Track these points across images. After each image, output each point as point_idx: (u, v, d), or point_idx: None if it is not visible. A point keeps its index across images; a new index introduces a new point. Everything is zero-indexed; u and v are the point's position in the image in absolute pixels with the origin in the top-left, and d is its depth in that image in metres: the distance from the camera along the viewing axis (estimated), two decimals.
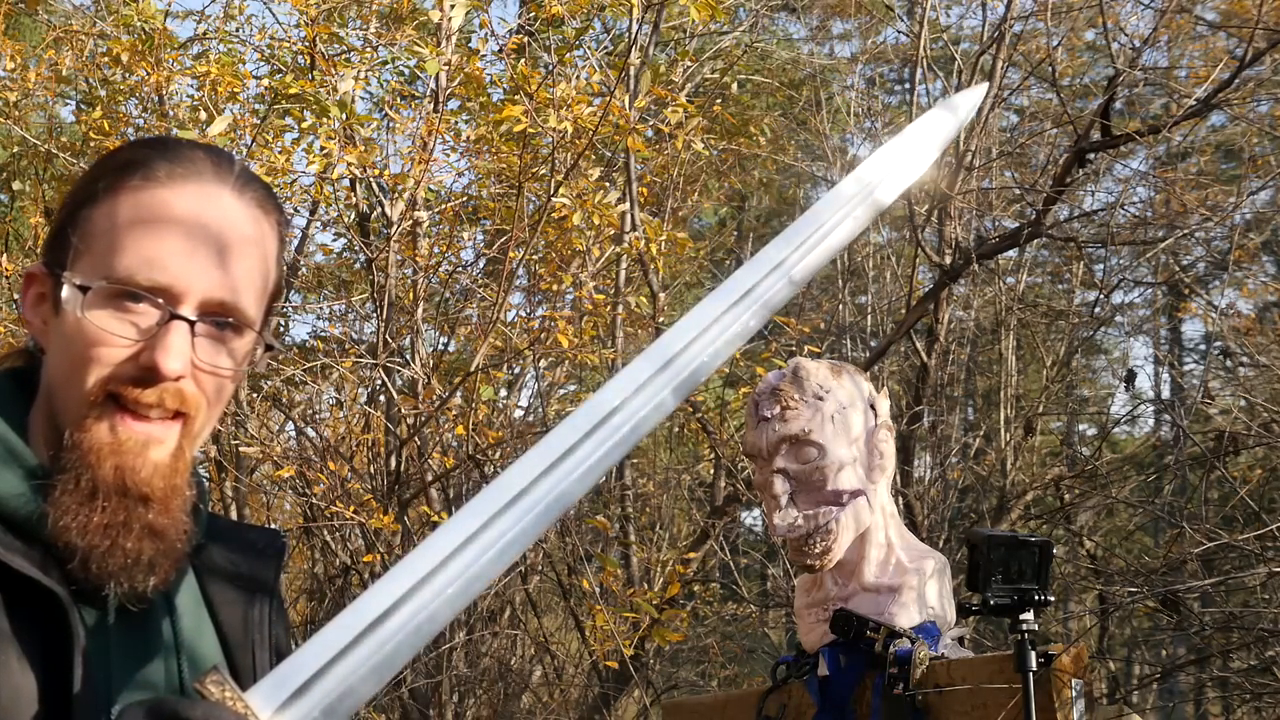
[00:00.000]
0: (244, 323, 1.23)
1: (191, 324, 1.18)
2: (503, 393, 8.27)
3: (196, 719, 1.00)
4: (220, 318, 1.21)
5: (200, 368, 1.20)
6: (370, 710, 6.56)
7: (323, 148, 6.22)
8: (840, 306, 9.99)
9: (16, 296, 6.46)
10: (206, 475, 7.51)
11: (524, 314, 7.85)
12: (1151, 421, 12.46)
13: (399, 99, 7.72)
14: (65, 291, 1.18)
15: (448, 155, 7.31)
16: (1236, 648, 6.33)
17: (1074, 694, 2.39)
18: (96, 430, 1.17)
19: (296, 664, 1.04)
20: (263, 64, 7.40)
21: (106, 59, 6.87)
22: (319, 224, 8.18)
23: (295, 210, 7.71)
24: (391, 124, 7.35)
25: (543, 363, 7.63)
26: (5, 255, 7.10)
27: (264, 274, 1.26)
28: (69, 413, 1.19)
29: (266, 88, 6.77)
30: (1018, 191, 8.06)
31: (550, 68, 6.55)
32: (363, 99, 7.60)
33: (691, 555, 7.19)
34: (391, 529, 6.09)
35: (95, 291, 1.17)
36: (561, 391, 9.32)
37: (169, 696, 1.17)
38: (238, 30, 7.52)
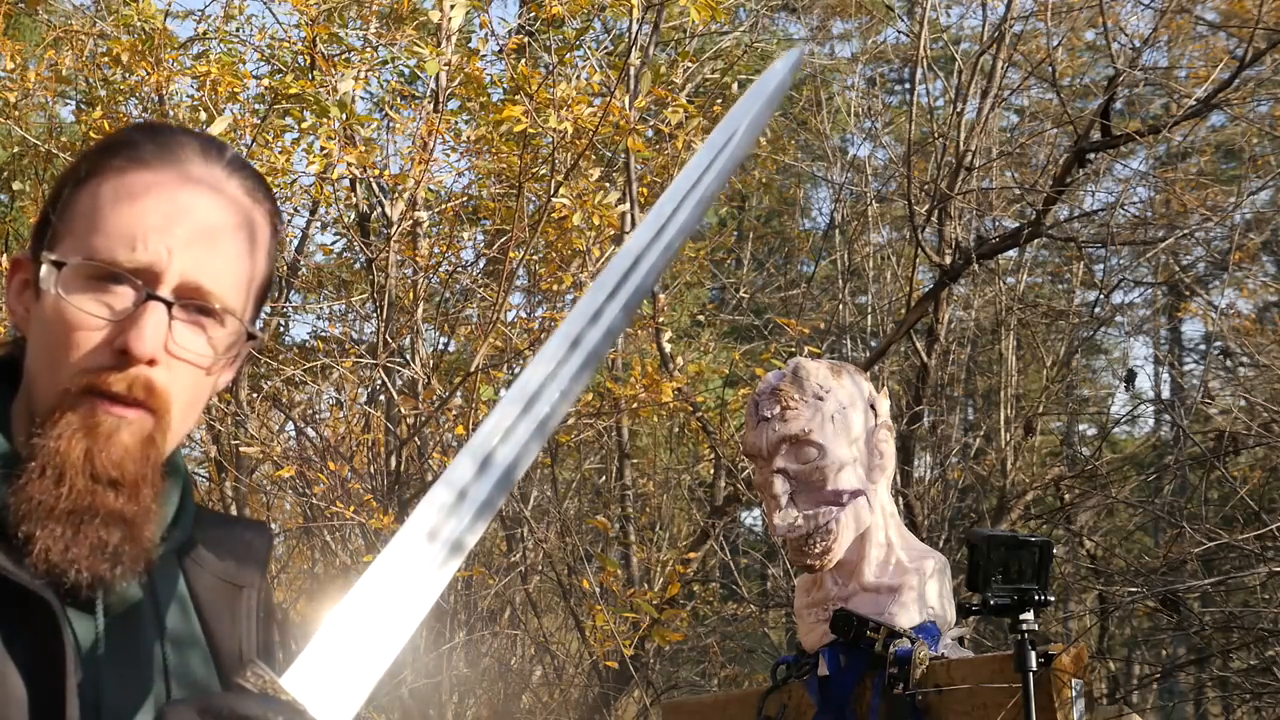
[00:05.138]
0: (224, 310, 1.19)
1: (169, 306, 1.15)
2: (503, 392, 8.25)
3: (252, 714, 1.00)
4: (198, 302, 1.18)
5: (174, 354, 1.16)
6: (370, 710, 6.56)
7: (323, 148, 6.21)
8: (840, 306, 9.98)
9: None
10: (206, 475, 7.51)
11: (524, 314, 7.85)
12: (1151, 421, 12.48)
13: (399, 99, 7.71)
14: (43, 270, 1.16)
15: (448, 155, 7.30)
16: (1236, 648, 6.35)
17: (1074, 694, 2.39)
18: (70, 416, 1.14)
19: (318, 650, 1.07)
20: (263, 64, 7.39)
21: (106, 59, 6.86)
22: (319, 224, 8.18)
23: (295, 210, 7.71)
24: (391, 124, 7.34)
25: None
26: (5, 255, 7.10)
27: (250, 262, 1.23)
28: (45, 400, 1.16)
29: (266, 88, 6.76)
30: (1018, 191, 8.05)
31: (550, 68, 6.55)
32: (363, 99, 7.59)
33: (691, 555, 7.18)
34: (391, 529, 6.08)
35: (73, 271, 1.15)
36: None
37: (215, 692, 1.17)
38: (238, 30, 7.52)
